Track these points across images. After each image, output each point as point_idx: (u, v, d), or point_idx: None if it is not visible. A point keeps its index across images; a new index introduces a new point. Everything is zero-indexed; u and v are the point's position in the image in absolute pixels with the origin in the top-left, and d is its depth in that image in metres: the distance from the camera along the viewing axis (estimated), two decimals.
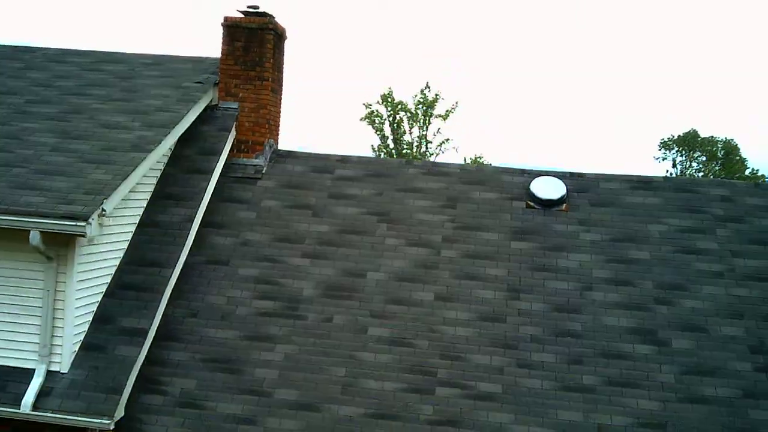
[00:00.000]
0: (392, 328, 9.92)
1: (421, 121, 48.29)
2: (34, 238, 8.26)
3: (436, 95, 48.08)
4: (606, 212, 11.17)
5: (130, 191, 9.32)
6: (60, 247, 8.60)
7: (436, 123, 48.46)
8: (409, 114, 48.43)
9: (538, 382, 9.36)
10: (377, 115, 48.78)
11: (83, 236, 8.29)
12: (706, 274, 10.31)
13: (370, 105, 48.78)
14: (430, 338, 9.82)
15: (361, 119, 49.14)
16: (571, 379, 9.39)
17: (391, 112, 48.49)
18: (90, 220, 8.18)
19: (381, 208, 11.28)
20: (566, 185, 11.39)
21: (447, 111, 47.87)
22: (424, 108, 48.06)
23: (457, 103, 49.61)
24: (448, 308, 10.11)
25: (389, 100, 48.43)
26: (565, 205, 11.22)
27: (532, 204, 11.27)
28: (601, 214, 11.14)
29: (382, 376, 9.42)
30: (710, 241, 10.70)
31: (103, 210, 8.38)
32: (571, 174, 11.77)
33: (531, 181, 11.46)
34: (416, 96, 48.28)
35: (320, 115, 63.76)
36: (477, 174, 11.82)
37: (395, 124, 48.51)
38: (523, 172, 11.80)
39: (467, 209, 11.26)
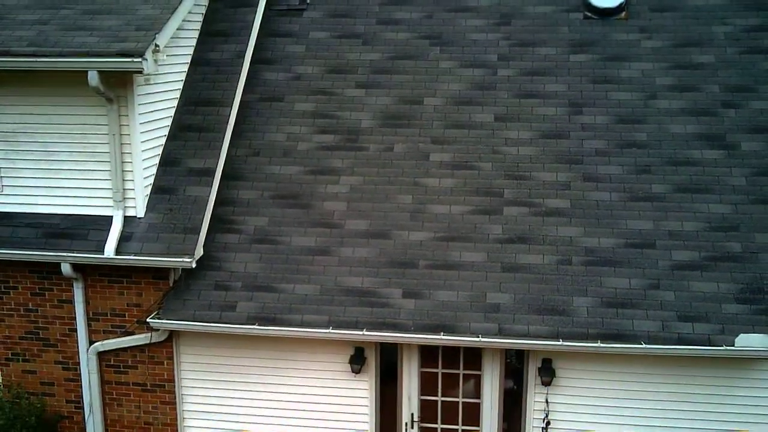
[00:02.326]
0: (454, 152, 9.86)
1: None
2: (93, 78, 8.18)
3: None
4: (667, 17, 10.72)
5: (178, 28, 9.11)
6: (119, 88, 8.54)
7: None
8: None
9: (606, 195, 9.35)
10: None
11: (140, 73, 8.18)
12: None
13: None
14: (493, 159, 9.77)
15: None
16: (640, 188, 9.34)
17: None
18: (145, 55, 8.05)
19: (432, 31, 10.94)
20: None
21: None
22: None
23: None
24: (509, 128, 9.98)
25: None
26: (624, 12, 10.77)
27: (589, 14, 10.84)
28: (662, 19, 10.69)
29: (448, 200, 9.46)
30: None
31: (156, 45, 8.23)
32: None
33: None
34: None
35: None
36: None
37: None
38: None
39: (522, 25, 10.87)
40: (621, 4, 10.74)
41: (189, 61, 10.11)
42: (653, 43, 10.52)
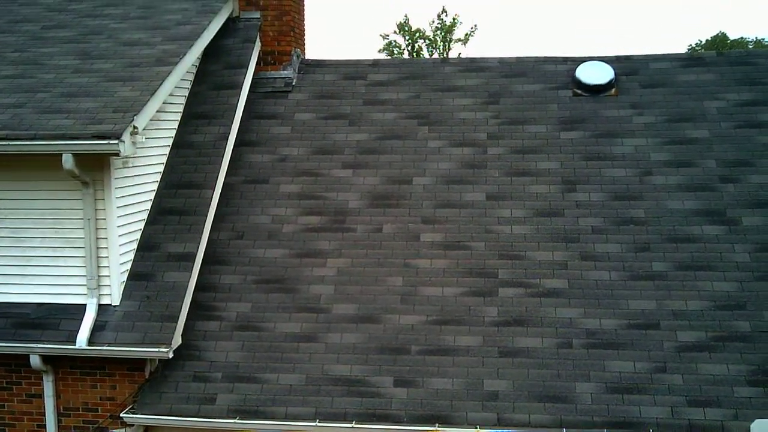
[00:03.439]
0: (445, 232, 9.50)
1: (441, 47, 47.20)
2: (68, 161, 7.86)
3: (454, 19, 46.87)
4: (658, 93, 10.55)
5: (159, 111, 8.86)
6: (95, 171, 8.21)
7: (456, 48, 47.34)
8: (428, 41, 47.29)
9: (606, 274, 8.95)
10: (395, 46, 47.71)
11: (117, 155, 7.87)
12: None
13: (387, 35, 47.71)
14: (486, 239, 9.40)
15: (379, 51, 48.09)
16: (640, 267, 8.95)
17: (410, 40, 47.41)
18: (122, 137, 7.73)
19: (420, 111, 10.74)
20: (613, 69, 10.74)
21: (466, 34, 46.86)
22: (443, 34, 46.90)
23: (476, 25, 48.50)
24: (501, 207, 9.65)
25: (406, 28, 47.29)
26: (614, 89, 10.61)
27: (579, 92, 10.67)
28: (653, 96, 10.52)
29: (440, 282, 9.04)
30: None
31: (134, 127, 7.93)
32: (618, 57, 11.10)
33: (576, 68, 10.84)
34: (433, 22, 47.07)
35: (334, 52, 62.24)
36: (517, 66, 11.17)
37: (414, 53, 47.40)
38: (566, 59, 11.14)
39: (511, 103, 10.68)
40: (611, 81, 10.59)
41: (171, 144, 9.83)
42: (645, 119, 10.32)
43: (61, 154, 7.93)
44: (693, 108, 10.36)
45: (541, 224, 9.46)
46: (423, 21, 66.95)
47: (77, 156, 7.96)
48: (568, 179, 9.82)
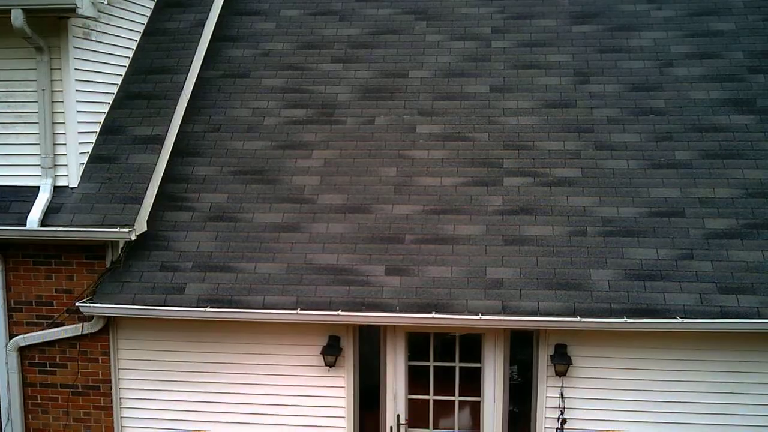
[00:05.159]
0: (444, 124, 8.57)
1: None
2: (17, 18, 6.92)
3: None
4: None
5: None
6: (51, 36, 7.31)
7: None
8: None
9: (623, 162, 8.02)
10: None
11: (73, 12, 6.93)
12: None
13: None
14: (489, 130, 8.47)
15: None
16: (661, 156, 8.01)
17: None
18: None
19: (417, 6, 9.82)
20: None
21: None
22: None
23: None
24: (507, 98, 8.72)
25: None
26: None
27: None
28: None
29: (439, 172, 8.10)
30: None
31: None
32: None
33: None
34: None
35: None
36: None
37: None
38: None
39: None
40: None
41: (142, 31, 8.92)
42: (664, 13, 9.42)
43: (9, 10, 6.97)
44: (716, 1, 9.43)
45: (551, 115, 8.53)
46: None
47: (29, 12, 7.00)
48: (581, 71, 8.90)
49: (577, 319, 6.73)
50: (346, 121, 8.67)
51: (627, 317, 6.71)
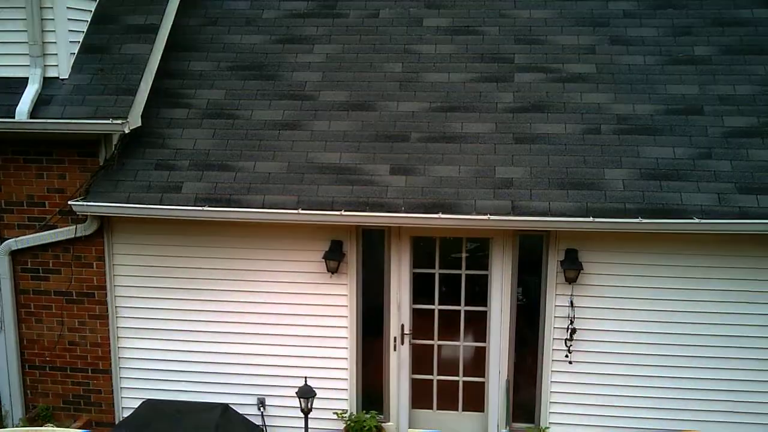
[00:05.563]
0: (452, 17, 8.16)
1: None
2: None
3: None
4: None
5: None
6: None
7: None
8: None
9: (640, 58, 7.64)
10: None
11: None
12: None
13: None
14: (500, 24, 8.06)
15: None
16: (679, 51, 7.62)
17: None
18: None
19: None
20: None
21: None
22: None
23: None
24: None
25: None
26: None
27: None
28: None
29: (446, 68, 7.73)
30: None
31: None
32: None
33: None
34: None
35: None
36: None
37: None
38: None
39: None
40: None
41: None
42: None
43: None
44: None
45: (564, 8, 8.10)
46: None
47: None
48: None
49: (590, 219, 6.49)
50: (348, 14, 8.25)
51: (642, 217, 6.46)
